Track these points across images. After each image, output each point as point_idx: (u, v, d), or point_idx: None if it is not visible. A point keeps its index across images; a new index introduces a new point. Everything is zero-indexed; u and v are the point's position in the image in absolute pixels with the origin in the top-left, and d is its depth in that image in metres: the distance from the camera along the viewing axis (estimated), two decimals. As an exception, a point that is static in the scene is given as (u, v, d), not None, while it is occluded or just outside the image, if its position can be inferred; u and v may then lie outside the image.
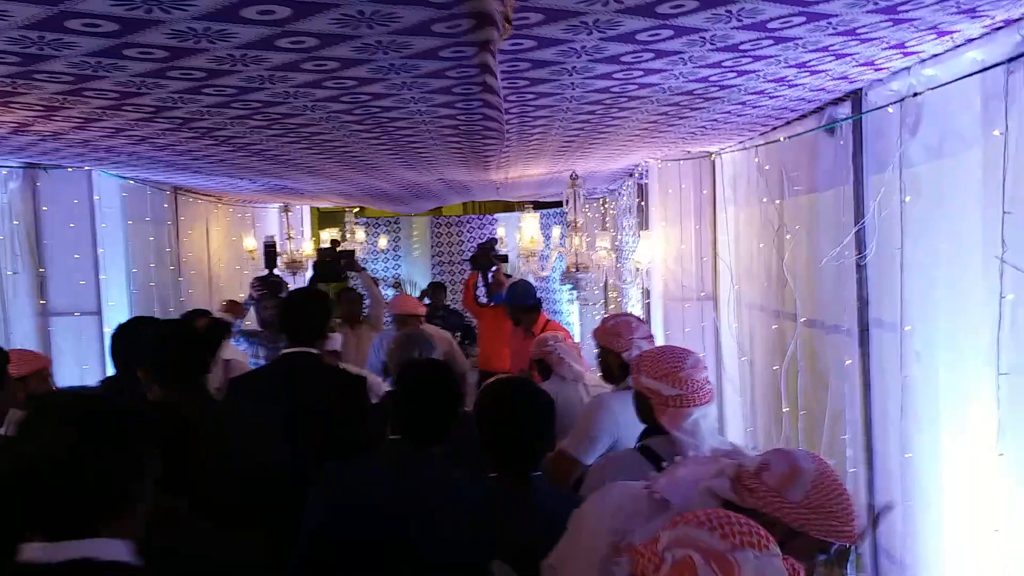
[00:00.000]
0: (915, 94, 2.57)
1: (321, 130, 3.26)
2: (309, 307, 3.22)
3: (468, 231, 13.26)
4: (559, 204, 10.97)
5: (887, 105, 2.78)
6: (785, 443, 3.43)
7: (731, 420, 4.46)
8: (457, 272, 13.13)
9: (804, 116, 3.58)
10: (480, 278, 7.34)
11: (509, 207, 13.98)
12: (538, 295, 5.43)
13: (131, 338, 3.19)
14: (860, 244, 3.00)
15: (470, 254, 12.88)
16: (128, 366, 3.04)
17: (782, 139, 3.71)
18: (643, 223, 5.69)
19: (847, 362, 3.09)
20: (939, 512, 2.46)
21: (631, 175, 5.97)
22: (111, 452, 1.31)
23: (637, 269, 4.88)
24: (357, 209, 14.54)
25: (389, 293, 12.75)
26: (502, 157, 4.16)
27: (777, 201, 3.79)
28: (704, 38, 1.99)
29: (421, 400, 2.28)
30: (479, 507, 2.04)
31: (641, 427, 2.36)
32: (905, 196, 2.64)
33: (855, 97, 3.05)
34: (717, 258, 4.82)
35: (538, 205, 9.43)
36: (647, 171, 5.23)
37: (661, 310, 4.99)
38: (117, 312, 5.29)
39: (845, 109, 3.13)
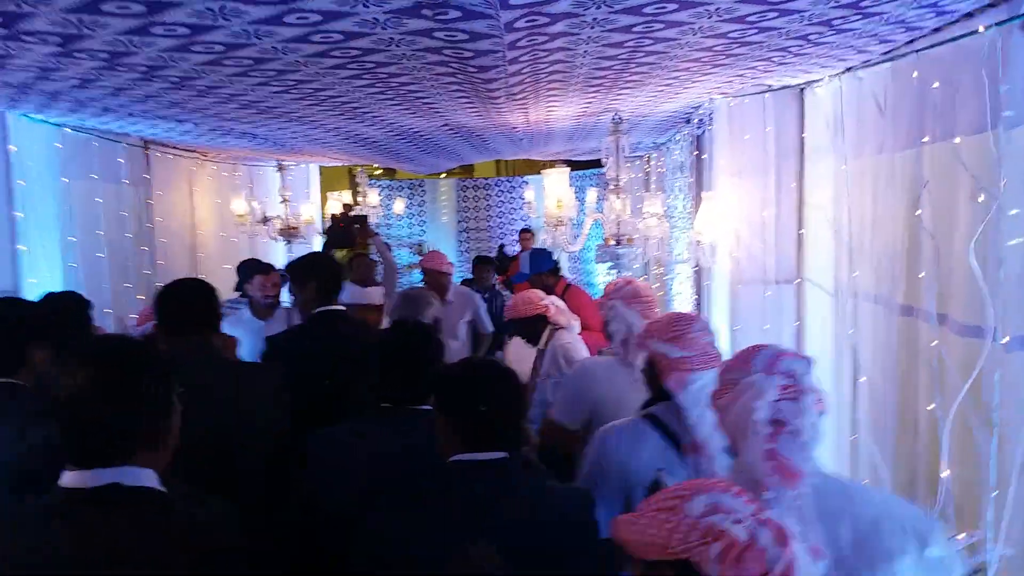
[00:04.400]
0: None
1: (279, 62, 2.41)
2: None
3: (497, 195, 12.11)
4: (596, 164, 9.77)
5: None
6: (941, 509, 2.25)
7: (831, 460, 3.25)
8: (484, 239, 12.02)
9: (958, 21, 2.36)
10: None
11: (543, 169, 12.84)
12: (554, 259, 5.20)
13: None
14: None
15: (498, 220, 12.03)
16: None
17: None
18: (702, 183, 4.49)
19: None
20: None
21: (688, 121, 4.75)
22: (141, 388, 1.42)
23: (699, 242, 3.70)
24: (380, 171, 13.54)
25: (415, 258, 11.75)
26: (513, 87, 3.00)
27: (914, 147, 2.57)
28: None
29: (393, 361, 2.28)
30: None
31: (623, 395, 2.57)
32: None
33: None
34: (802, 228, 3.62)
35: (573, 167, 8.21)
36: (711, 114, 4.02)
37: (727, 296, 3.81)
38: (44, 290, 4.28)
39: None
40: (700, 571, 1.11)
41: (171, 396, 1.48)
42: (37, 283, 4.17)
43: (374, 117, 3.95)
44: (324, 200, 9.27)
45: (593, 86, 3.27)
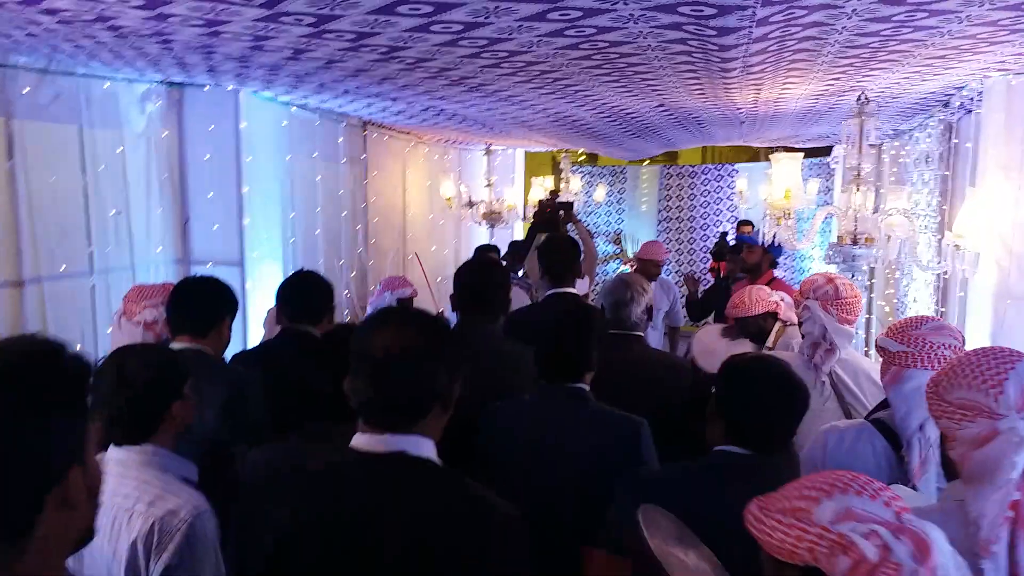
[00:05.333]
0: None
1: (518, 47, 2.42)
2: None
3: (703, 183, 11.48)
4: (817, 152, 8.89)
5: None
6: None
7: None
8: (685, 229, 11.48)
9: None
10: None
11: (755, 157, 12.03)
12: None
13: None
14: None
15: (704, 210, 11.44)
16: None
17: None
18: (957, 177, 3.85)
19: None
20: None
21: (946, 105, 4.10)
22: (443, 353, 1.48)
23: (956, 247, 3.13)
24: (583, 157, 13.35)
25: (608, 250, 11.50)
26: (752, 56, 2.65)
27: None
28: None
29: (549, 339, 2.34)
30: None
31: None
32: None
33: None
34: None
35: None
36: (979, 95, 3.40)
37: (988, 313, 3.21)
38: (264, 263, 4.50)
39: None
40: None
41: (461, 365, 1.52)
42: (258, 256, 4.40)
43: (585, 96, 3.74)
44: (528, 186, 9.26)
45: (843, 63, 2.83)
